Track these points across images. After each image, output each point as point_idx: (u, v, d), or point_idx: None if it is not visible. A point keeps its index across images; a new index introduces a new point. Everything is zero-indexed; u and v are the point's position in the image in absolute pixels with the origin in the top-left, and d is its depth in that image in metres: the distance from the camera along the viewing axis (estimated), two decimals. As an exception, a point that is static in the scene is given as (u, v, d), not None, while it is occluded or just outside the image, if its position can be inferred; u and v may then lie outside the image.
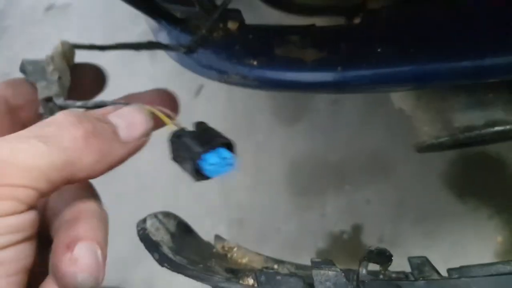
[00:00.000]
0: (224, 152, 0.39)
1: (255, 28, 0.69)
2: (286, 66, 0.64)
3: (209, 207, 1.43)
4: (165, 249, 0.46)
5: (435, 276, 0.46)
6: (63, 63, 0.46)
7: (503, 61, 0.59)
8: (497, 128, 0.62)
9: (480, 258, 1.18)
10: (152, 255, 0.45)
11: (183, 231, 0.54)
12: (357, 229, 1.32)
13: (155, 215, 0.51)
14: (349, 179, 1.40)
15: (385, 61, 0.60)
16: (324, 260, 0.43)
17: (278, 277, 0.42)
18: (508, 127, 0.62)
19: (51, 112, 0.41)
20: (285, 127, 1.54)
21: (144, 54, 1.74)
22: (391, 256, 0.45)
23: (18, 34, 2.12)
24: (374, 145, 1.40)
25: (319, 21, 0.70)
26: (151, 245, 0.45)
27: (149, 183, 1.56)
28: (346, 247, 1.30)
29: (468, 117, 0.64)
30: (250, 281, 0.43)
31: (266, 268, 0.50)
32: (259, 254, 0.56)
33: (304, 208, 1.39)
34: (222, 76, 0.69)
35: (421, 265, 0.48)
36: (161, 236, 0.48)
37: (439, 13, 0.61)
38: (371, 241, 1.29)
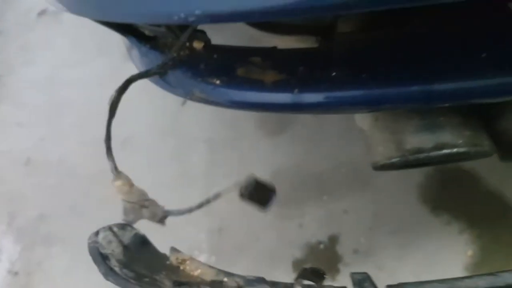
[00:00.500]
0: None
1: (220, 48, 0.71)
2: (246, 87, 0.67)
3: (190, 215, 1.45)
4: (113, 263, 0.48)
5: (373, 292, 0.49)
6: (132, 189, 0.51)
7: (451, 87, 0.62)
8: (444, 151, 0.65)
9: (450, 270, 1.20)
10: (98, 268, 0.47)
11: (138, 243, 0.56)
12: (333, 240, 1.35)
13: (109, 228, 0.54)
14: (328, 190, 1.42)
15: (339, 85, 0.63)
16: (257, 278, 0.45)
17: (215, 292, 0.45)
18: (455, 150, 0.65)
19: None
20: (269, 138, 1.57)
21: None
22: (324, 274, 0.48)
23: (11, 38, 2.14)
24: (354, 158, 1.42)
25: (284, 44, 0.73)
26: (98, 259, 0.48)
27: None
28: (322, 257, 1.32)
29: (419, 140, 0.67)
30: (192, 294, 0.46)
31: (215, 281, 0.53)
32: (211, 267, 0.58)
33: (283, 218, 1.41)
34: (187, 93, 0.72)
35: (362, 281, 0.51)
36: (112, 249, 0.50)
37: (390, 40, 0.64)
38: (346, 251, 1.31)
